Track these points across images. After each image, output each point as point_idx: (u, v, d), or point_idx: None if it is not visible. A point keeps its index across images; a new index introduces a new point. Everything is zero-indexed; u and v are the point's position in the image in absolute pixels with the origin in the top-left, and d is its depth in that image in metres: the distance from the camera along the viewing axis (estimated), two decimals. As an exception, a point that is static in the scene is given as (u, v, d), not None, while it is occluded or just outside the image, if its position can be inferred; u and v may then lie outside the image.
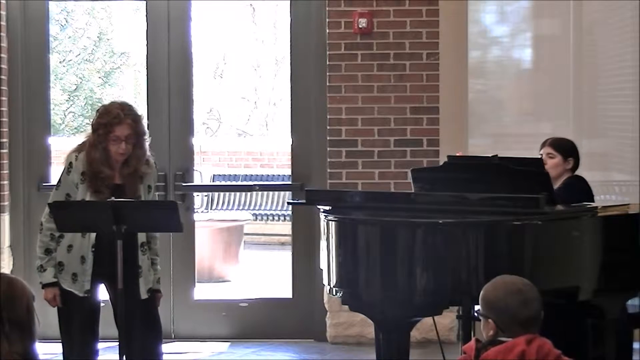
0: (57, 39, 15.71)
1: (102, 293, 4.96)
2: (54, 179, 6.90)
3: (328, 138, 6.82)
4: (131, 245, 4.77)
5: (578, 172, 5.51)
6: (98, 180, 4.80)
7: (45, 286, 4.85)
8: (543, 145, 5.53)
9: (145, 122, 4.92)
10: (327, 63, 6.79)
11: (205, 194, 12.16)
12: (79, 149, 4.87)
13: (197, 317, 6.97)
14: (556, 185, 5.37)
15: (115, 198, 4.69)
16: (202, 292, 7.46)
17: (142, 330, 4.84)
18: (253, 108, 16.92)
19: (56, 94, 15.41)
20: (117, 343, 4.66)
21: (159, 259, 5.05)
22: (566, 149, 5.49)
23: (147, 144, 4.91)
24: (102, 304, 4.97)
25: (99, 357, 5.00)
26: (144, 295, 4.83)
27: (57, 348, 5.04)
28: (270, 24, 16.25)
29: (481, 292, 3.48)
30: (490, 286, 3.48)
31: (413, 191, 5.03)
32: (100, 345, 5.02)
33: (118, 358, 4.70)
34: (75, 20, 16.40)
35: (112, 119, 4.77)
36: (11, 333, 3.04)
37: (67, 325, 4.89)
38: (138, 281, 4.82)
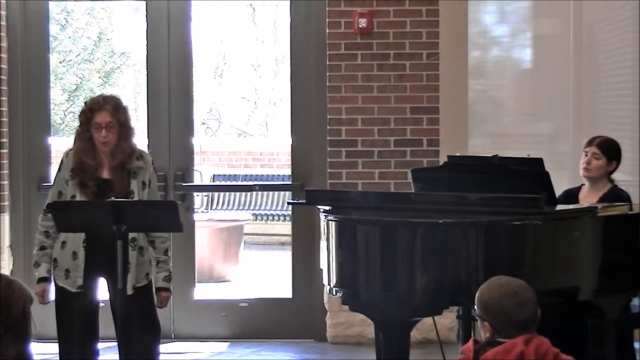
0: (57, 39, 15.71)
1: (102, 292, 4.96)
2: (53, 179, 6.92)
3: (328, 138, 6.82)
4: (122, 242, 4.76)
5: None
6: (83, 172, 4.82)
7: (38, 281, 4.90)
8: (589, 143, 5.38)
9: (131, 115, 4.98)
10: (327, 63, 6.79)
11: (205, 194, 12.15)
12: (71, 147, 4.94)
13: (197, 317, 6.96)
14: (596, 187, 5.36)
15: (103, 192, 4.74)
16: (202, 292, 7.46)
17: (138, 329, 4.84)
18: (253, 108, 16.93)
19: (56, 94, 15.42)
20: (109, 344, 4.66)
21: (168, 259, 5.02)
22: (612, 151, 5.36)
23: (133, 138, 4.92)
24: (101, 304, 4.97)
25: (99, 358, 4.99)
26: (129, 291, 4.80)
27: (57, 348, 5.03)
28: (270, 24, 16.26)
29: (477, 294, 3.48)
30: (485, 288, 3.47)
31: (413, 191, 5.03)
32: (100, 345, 5.01)
33: (118, 358, 4.71)
34: (75, 20, 16.41)
35: (92, 105, 4.87)
36: (5, 335, 3.04)
37: (63, 323, 4.89)
38: (126, 278, 4.82)
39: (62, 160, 4.93)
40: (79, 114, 4.95)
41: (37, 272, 4.91)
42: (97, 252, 4.78)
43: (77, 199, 4.82)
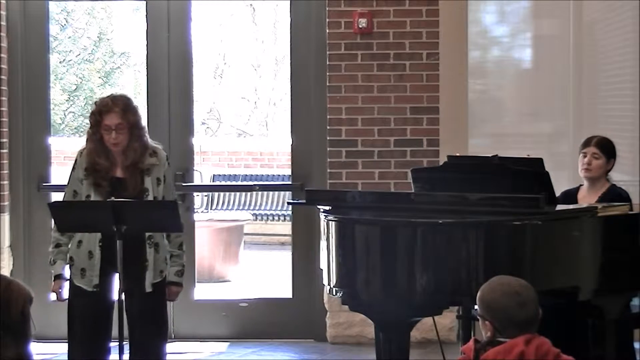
0: (57, 39, 15.72)
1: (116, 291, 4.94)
2: (54, 179, 6.94)
3: (328, 138, 6.82)
4: (139, 240, 4.77)
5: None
6: (96, 172, 4.82)
7: (54, 279, 4.90)
8: (587, 144, 5.41)
9: (142, 116, 4.95)
10: (327, 63, 6.79)
11: (205, 194, 12.16)
12: (85, 146, 4.93)
13: (197, 317, 6.96)
14: (595, 187, 5.38)
15: (117, 192, 4.73)
16: (202, 292, 7.46)
17: (147, 327, 4.84)
18: (253, 108, 16.94)
19: (56, 94, 15.42)
20: (117, 343, 4.66)
21: (182, 253, 5.01)
22: (610, 150, 5.40)
23: (145, 136, 4.91)
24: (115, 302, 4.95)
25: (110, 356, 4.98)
26: (148, 288, 4.81)
27: (58, 348, 5.04)
28: (270, 24, 16.27)
29: (478, 294, 3.48)
30: (487, 288, 3.47)
31: (413, 191, 5.03)
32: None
33: (118, 357, 4.70)
34: (75, 20, 16.42)
35: (101, 107, 4.85)
36: (5, 335, 3.03)
37: (75, 321, 4.88)
38: (145, 275, 4.82)
39: (76, 160, 4.92)
40: (89, 115, 4.93)
41: (53, 270, 4.90)
42: (113, 252, 4.76)
43: (92, 198, 4.82)
